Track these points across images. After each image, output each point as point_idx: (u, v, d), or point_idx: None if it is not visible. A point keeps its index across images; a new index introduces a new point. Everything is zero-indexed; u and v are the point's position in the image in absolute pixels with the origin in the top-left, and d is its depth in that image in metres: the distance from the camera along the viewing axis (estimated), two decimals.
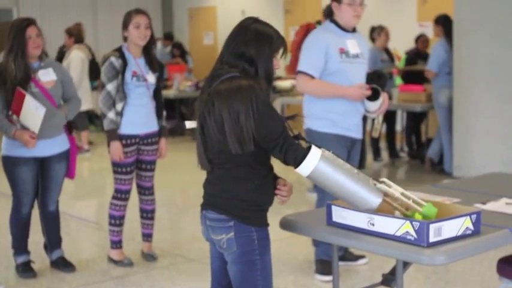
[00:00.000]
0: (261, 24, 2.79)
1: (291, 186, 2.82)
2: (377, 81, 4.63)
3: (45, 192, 4.68)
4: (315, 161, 2.53)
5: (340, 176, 2.55)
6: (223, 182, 2.73)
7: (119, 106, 4.67)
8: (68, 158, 4.70)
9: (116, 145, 4.65)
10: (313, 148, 2.57)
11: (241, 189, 2.69)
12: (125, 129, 4.70)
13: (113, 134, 4.66)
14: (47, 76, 4.54)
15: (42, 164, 4.60)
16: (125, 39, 4.72)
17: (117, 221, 4.89)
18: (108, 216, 4.91)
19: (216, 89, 2.65)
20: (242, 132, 2.59)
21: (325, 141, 4.45)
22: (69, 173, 4.76)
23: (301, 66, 4.47)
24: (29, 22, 4.49)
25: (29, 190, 4.59)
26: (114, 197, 4.85)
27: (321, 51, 4.40)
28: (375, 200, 2.57)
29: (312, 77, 4.42)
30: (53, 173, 4.64)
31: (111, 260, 4.97)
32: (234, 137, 2.60)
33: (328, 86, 4.44)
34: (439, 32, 7.91)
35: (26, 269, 4.71)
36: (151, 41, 4.76)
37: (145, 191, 4.95)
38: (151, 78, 4.75)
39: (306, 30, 6.80)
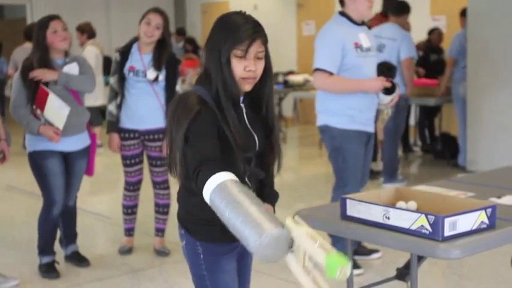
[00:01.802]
0: (232, 16, 2.30)
1: None
2: (387, 72, 4.60)
3: (67, 187, 4.65)
4: (209, 190, 2.10)
5: (225, 209, 2.04)
6: (180, 191, 2.51)
7: (118, 100, 4.82)
8: (88, 154, 4.71)
9: (113, 136, 4.83)
10: (212, 177, 2.10)
11: (188, 201, 2.43)
12: (124, 123, 4.83)
13: (110, 126, 4.85)
14: (71, 72, 4.52)
15: (65, 160, 4.59)
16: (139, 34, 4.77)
17: (128, 210, 5.07)
18: (121, 205, 5.09)
19: (180, 95, 2.40)
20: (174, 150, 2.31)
21: (346, 137, 4.43)
22: (88, 170, 4.78)
23: (318, 64, 4.40)
24: (53, 17, 4.51)
25: (59, 184, 4.53)
26: (124, 188, 5.05)
27: (338, 47, 4.34)
28: (252, 239, 1.94)
29: (331, 74, 4.37)
30: (76, 169, 4.64)
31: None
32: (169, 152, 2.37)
33: (348, 82, 4.39)
34: (464, 24, 7.89)
35: (49, 270, 4.67)
36: (165, 41, 4.75)
37: (157, 186, 5.01)
38: (151, 74, 4.74)
39: None
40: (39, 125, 4.41)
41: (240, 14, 2.30)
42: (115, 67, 4.81)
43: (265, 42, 2.31)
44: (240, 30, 2.23)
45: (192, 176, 2.18)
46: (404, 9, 7.23)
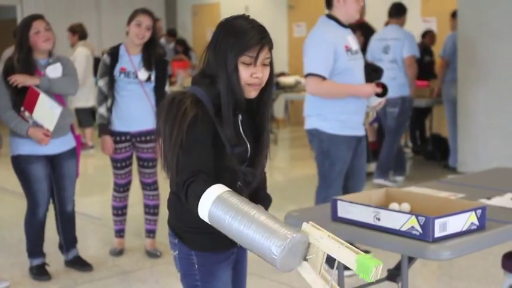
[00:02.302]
0: (238, 20, 2.22)
1: None
2: (374, 74, 4.60)
3: (61, 191, 4.63)
4: (207, 205, 2.04)
5: (232, 221, 1.97)
6: (170, 197, 2.42)
7: (108, 102, 4.80)
8: (76, 155, 4.67)
9: (105, 139, 4.81)
10: (208, 191, 2.05)
11: (181, 207, 2.31)
12: (116, 125, 4.82)
13: (102, 129, 4.81)
14: (54, 73, 4.48)
15: (53, 163, 4.54)
16: (127, 34, 4.77)
17: (118, 211, 5.06)
18: (111, 207, 5.09)
19: (171, 95, 2.29)
20: (168, 155, 2.23)
21: (335, 142, 4.43)
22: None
23: (310, 69, 4.36)
24: (36, 17, 4.47)
25: (43, 188, 4.51)
26: (113, 190, 5.04)
27: (330, 51, 4.32)
28: (273, 248, 1.88)
29: (323, 79, 4.35)
30: (65, 170, 4.59)
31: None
32: (162, 155, 2.28)
33: (342, 87, 4.37)
34: (455, 26, 7.93)
35: (40, 272, 4.64)
36: (153, 41, 4.77)
37: (147, 187, 5.02)
38: (143, 75, 4.75)
39: None
40: (28, 127, 4.36)
41: (245, 18, 2.23)
42: (104, 69, 4.78)
43: (271, 48, 2.25)
44: (248, 36, 2.17)
45: (181, 187, 2.13)
46: (403, 10, 7.45)
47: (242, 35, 2.17)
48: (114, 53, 4.79)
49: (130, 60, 4.75)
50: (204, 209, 2.04)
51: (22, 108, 4.39)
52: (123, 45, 4.82)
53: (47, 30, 4.43)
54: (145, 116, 4.79)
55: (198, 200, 2.06)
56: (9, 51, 8.71)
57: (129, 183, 5.01)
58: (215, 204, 2.01)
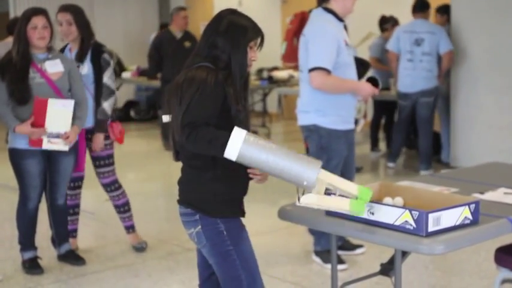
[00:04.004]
0: (237, 15, 2.73)
1: None
2: (361, 68, 4.60)
3: (53, 186, 4.59)
4: (237, 144, 2.38)
5: (267, 155, 2.39)
6: (186, 174, 2.69)
7: None
8: (76, 152, 4.62)
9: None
10: (234, 131, 2.41)
11: (201, 179, 2.63)
12: None
13: None
14: (54, 67, 4.43)
15: (50, 158, 4.51)
16: None
17: (70, 210, 4.91)
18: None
19: (177, 79, 2.66)
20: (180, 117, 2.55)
21: (335, 137, 4.43)
22: (78, 167, 4.71)
23: (316, 62, 4.30)
24: (36, 11, 4.42)
25: (36, 184, 4.49)
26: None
27: (334, 45, 4.29)
28: (312, 174, 2.43)
29: (329, 72, 4.31)
30: (61, 167, 4.55)
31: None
32: (175, 125, 2.57)
33: (346, 82, 4.36)
34: (444, 22, 7.94)
35: (32, 265, 4.62)
36: (86, 33, 4.75)
37: (107, 188, 4.91)
38: (83, 69, 4.69)
39: (301, 18, 6.84)
40: (15, 125, 4.29)
41: (244, 16, 2.74)
42: None
43: None
44: (255, 29, 2.71)
45: (187, 128, 2.47)
46: (427, 5, 7.68)
47: (251, 28, 2.70)
48: (61, 51, 4.78)
49: (71, 56, 4.73)
50: (233, 148, 2.37)
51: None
52: (69, 44, 4.81)
53: (44, 28, 4.39)
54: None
55: (213, 142, 2.43)
56: (1, 45, 8.67)
57: (79, 178, 4.89)
58: (246, 143, 2.38)
